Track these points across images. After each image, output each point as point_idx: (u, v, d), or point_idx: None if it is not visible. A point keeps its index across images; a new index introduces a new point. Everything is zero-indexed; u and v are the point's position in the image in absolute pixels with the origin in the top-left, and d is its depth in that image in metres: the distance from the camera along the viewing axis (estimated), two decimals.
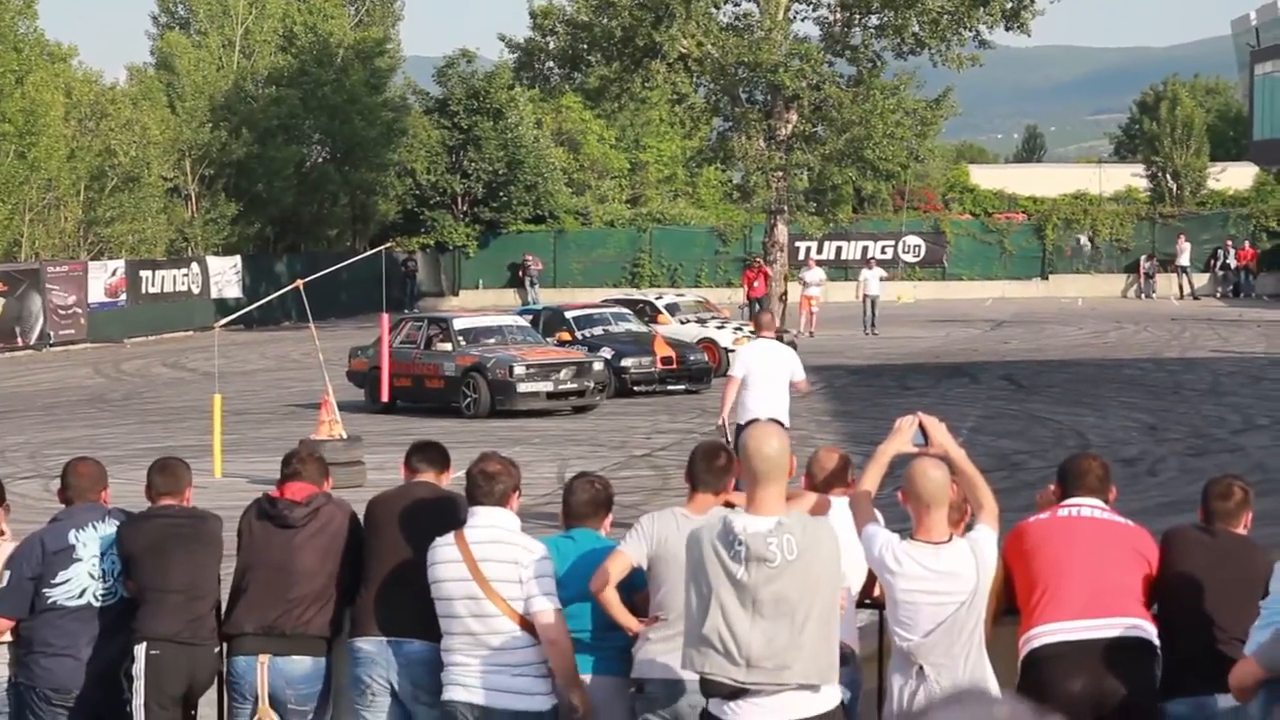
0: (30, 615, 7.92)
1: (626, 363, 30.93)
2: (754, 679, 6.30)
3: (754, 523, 6.30)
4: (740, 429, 16.57)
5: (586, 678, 7.36)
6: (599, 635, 7.36)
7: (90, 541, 7.96)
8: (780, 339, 18.77)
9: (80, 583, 7.93)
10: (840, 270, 60.27)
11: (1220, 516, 7.45)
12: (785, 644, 6.26)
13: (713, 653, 6.31)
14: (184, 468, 8.26)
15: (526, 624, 7.19)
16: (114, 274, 48.31)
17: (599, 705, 7.36)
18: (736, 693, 6.37)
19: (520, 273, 61.94)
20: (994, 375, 33.21)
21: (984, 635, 6.90)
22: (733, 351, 31.91)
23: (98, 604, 7.95)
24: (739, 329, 35.37)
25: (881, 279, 47.42)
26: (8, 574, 7.92)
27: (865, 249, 62.44)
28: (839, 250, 62.51)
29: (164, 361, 41.29)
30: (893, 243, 63.78)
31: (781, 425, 6.75)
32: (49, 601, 7.89)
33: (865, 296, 46.25)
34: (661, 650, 7.05)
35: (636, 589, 7.21)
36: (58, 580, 7.89)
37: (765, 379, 16.32)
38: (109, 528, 7.99)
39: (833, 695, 6.49)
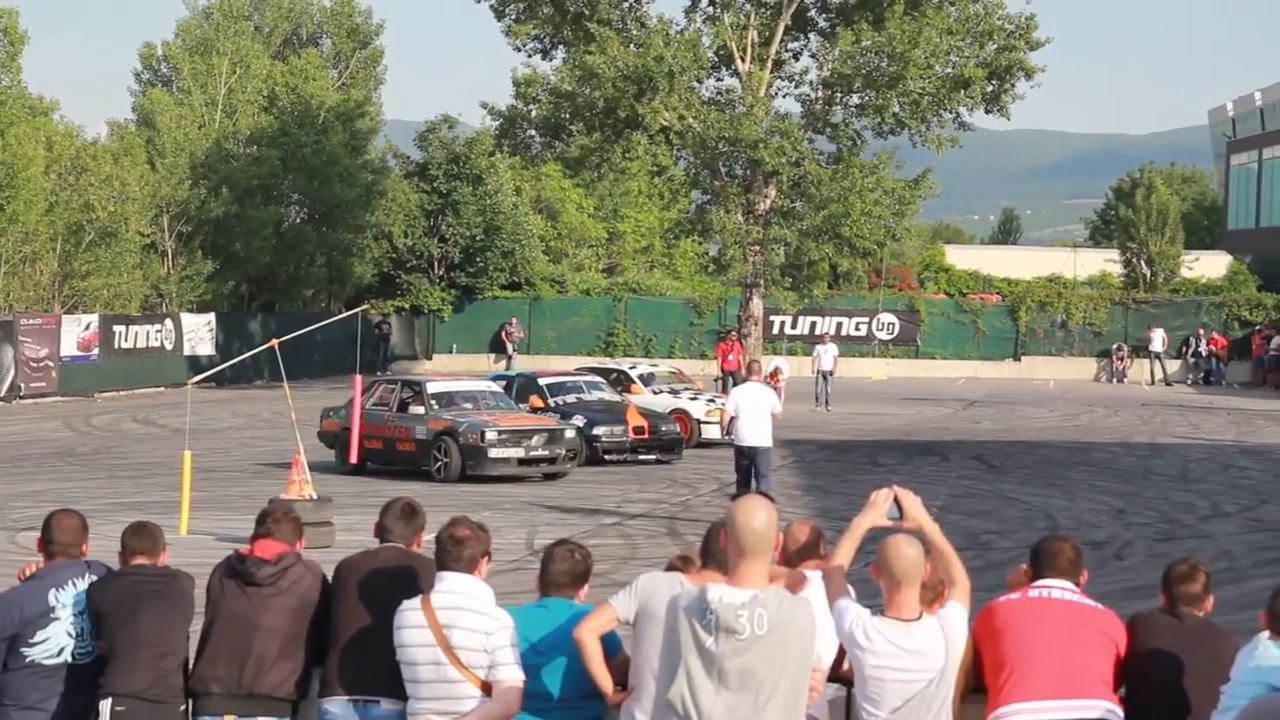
0: (3, 672, 7.87)
1: (598, 431, 30.93)
2: None
3: (730, 594, 6.32)
4: (737, 450, 22.93)
5: None
6: (566, 707, 7.31)
7: (69, 601, 7.94)
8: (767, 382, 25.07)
9: (59, 641, 7.90)
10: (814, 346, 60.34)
11: (1185, 600, 7.46)
12: (746, 717, 6.26)
13: (674, 718, 6.30)
14: (159, 531, 8.27)
15: (490, 689, 7.16)
16: (87, 328, 48.16)
17: None
18: None
19: (504, 336, 61.94)
20: (965, 454, 33.28)
21: (952, 712, 6.88)
22: (705, 423, 33.67)
23: (74, 661, 7.92)
24: (712, 400, 35.51)
25: (835, 356, 47.44)
26: None
27: (839, 325, 62.65)
28: (813, 325, 62.65)
29: (135, 417, 41.14)
30: (867, 320, 63.98)
31: (769, 498, 6.75)
32: (26, 660, 7.85)
33: (818, 371, 46.32)
34: None
35: (611, 655, 7.15)
36: (36, 640, 7.86)
37: (753, 412, 22.51)
38: (88, 584, 7.98)
39: None
